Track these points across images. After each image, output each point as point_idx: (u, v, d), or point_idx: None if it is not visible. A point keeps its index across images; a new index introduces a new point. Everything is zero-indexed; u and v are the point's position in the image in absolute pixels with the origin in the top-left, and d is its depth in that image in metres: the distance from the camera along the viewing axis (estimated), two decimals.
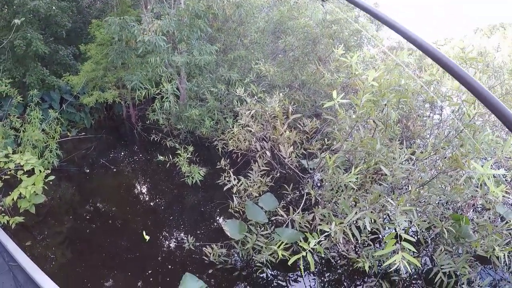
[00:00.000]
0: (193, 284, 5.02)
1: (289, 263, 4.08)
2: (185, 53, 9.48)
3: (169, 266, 6.10)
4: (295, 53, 9.39)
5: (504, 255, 4.66)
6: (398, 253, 3.62)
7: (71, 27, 12.72)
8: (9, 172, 6.91)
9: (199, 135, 10.05)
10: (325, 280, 5.77)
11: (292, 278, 5.74)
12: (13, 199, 6.55)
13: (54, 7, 11.36)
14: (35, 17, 11.04)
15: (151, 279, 5.76)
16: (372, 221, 4.50)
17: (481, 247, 4.93)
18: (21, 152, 7.77)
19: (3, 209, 6.66)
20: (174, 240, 6.84)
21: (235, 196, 5.94)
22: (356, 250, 5.61)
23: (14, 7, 10.36)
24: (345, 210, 4.76)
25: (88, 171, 9.92)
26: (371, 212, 4.41)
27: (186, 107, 10.10)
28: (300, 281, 5.70)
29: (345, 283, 5.69)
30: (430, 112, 8.43)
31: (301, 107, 8.51)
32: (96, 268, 5.97)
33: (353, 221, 4.32)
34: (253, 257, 5.57)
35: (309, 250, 3.99)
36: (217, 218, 7.29)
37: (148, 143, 10.77)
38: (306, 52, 9.18)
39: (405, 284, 5.71)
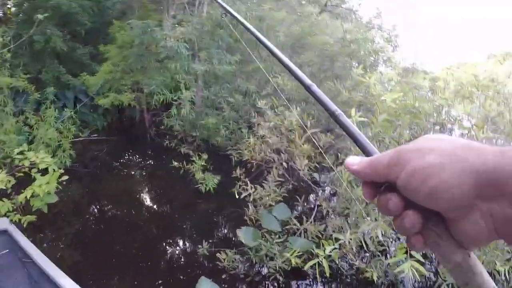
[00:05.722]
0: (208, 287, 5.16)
1: (306, 267, 4.26)
2: (205, 62, 9.67)
3: (183, 270, 6.24)
4: (312, 69, 9.57)
5: (505, 270, 4.77)
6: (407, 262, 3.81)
7: (90, 27, 12.84)
8: (23, 170, 6.97)
9: (213, 143, 10.19)
10: None
11: (303, 286, 5.89)
12: (26, 197, 6.61)
13: (75, 5, 11.54)
14: (55, 14, 11.15)
15: (164, 282, 5.90)
16: (383, 232, 4.66)
17: (482, 262, 5.05)
18: (33, 150, 7.85)
19: (15, 207, 6.63)
20: (187, 245, 6.99)
21: (250, 204, 6.09)
22: (365, 260, 5.76)
23: (36, 1, 10.51)
24: (358, 221, 4.94)
25: (99, 173, 10.04)
26: (383, 223, 4.58)
27: (202, 115, 10.27)
28: None
29: None
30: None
31: (315, 122, 8.68)
32: (108, 271, 6.11)
33: (366, 232, 4.50)
34: (266, 264, 5.72)
35: (324, 257, 4.17)
36: (230, 226, 7.43)
37: (161, 148, 10.89)
38: (323, 69, 9.37)
39: None
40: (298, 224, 5.70)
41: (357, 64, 8.94)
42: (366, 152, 0.69)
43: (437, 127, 8.10)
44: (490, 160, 0.48)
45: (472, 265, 0.55)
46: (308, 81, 1.00)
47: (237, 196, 6.30)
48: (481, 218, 0.50)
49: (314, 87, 0.96)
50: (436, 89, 8.59)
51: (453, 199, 0.50)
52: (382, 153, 0.60)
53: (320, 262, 4.19)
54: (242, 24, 1.58)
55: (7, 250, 4.91)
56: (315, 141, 6.41)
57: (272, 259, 5.60)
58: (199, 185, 8.09)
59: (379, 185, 0.59)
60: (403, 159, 0.54)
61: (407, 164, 0.53)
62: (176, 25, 9.42)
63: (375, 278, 4.86)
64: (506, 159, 0.48)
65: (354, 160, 0.62)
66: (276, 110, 6.69)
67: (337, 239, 4.51)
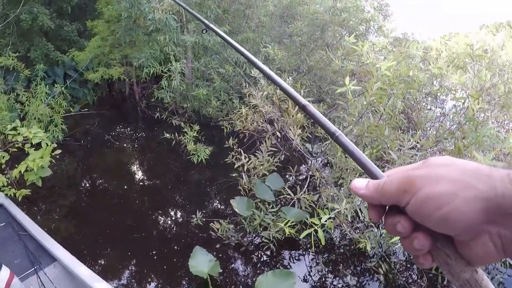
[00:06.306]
0: (203, 257, 5.19)
1: (301, 236, 4.29)
2: (194, 33, 9.56)
3: (177, 240, 6.27)
4: (302, 38, 9.50)
5: None
6: None
7: (76, 3, 12.69)
8: (16, 145, 6.97)
9: (204, 114, 10.17)
10: (327, 258, 5.98)
11: (296, 256, 5.94)
12: (20, 172, 6.65)
13: None
14: None
15: (158, 252, 5.94)
16: None
17: None
18: (25, 126, 7.81)
19: (9, 181, 6.65)
20: (180, 215, 7.02)
21: (244, 174, 6.09)
22: (358, 231, 5.81)
23: None
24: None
25: (92, 146, 10.05)
26: None
27: (193, 86, 10.21)
28: (302, 259, 5.91)
29: (346, 262, 5.90)
30: (432, 105, 8.61)
31: (308, 92, 8.66)
32: (102, 241, 6.15)
33: (361, 201, 4.53)
34: (260, 234, 5.76)
35: (319, 226, 4.20)
36: (223, 196, 7.45)
37: (152, 121, 10.87)
38: (314, 38, 9.29)
39: (403, 267, 5.93)
40: (292, 194, 5.71)
41: (348, 34, 8.87)
42: (370, 174, 0.69)
43: (430, 98, 8.12)
44: (499, 187, 0.50)
45: (480, 280, 0.57)
46: (303, 100, 0.97)
47: (231, 166, 6.30)
48: (490, 240, 0.53)
49: (310, 107, 0.93)
50: (429, 59, 8.59)
51: (464, 225, 0.52)
52: (388, 175, 0.63)
53: (315, 233, 4.22)
54: (226, 40, 1.55)
55: (3, 224, 4.97)
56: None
57: (265, 228, 5.64)
58: (191, 156, 8.08)
59: (385, 206, 0.62)
60: (413, 185, 0.55)
61: (419, 191, 0.54)
62: None
63: (368, 248, 4.92)
64: None
65: (361, 184, 0.64)
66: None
67: (332, 209, 4.53)
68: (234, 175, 6.62)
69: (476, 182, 0.51)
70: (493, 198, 0.49)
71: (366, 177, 0.68)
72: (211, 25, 1.88)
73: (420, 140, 5.24)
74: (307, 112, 0.93)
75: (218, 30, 1.79)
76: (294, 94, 1.02)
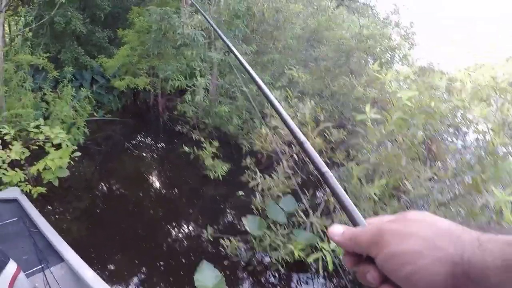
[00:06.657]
0: (209, 272, 5.17)
1: (309, 260, 4.27)
2: (221, 51, 9.68)
3: (185, 253, 6.28)
4: (327, 63, 9.51)
5: None
6: None
7: (109, 11, 12.97)
8: (37, 143, 7.14)
9: (225, 131, 10.20)
10: (334, 285, 5.92)
11: (303, 279, 5.90)
12: (38, 170, 6.77)
13: None
14: None
15: (165, 263, 5.96)
16: None
17: None
18: (48, 125, 7.97)
19: (27, 178, 6.82)
20: (191, 229, 7.03)
21: (258, 194, 6.10)
22: None
23: None
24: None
25: (111, 152, 10.17)
26: None
27: (216, 103, 10.28)
28: (310, 283, 5.86)
29: None
30: (454, 137, 8.48)
31: (328, 117, 8.65)
32: (111, 247, 6.20)
33: None
34: (269, 254, 5.74)
35: (328, 251, 4.18)
36: (236, 213, 7.45)
37: (173, 133, 10.95)
38: (339, 64, 9.30)
39: None
40: (304, 217, 5.69)
41: (372, 61, 8.86)
42: (352, 221, 0.70)
43: (451, 130, 8.02)
44: (467, 252, 0.49)
45: None
46: (302, 137, 1.00)
47: (246, 185, 6.32)
48: None
49: (307, 145, 0.96)
50: (452, 90, 8.48)
51: (428, 286, 0.51)
52: (368, 223, 0.64)
53: (324, 257, 4.20)
54: (243, 66, 1.59)
55: (16, 218, 4.99)
56: (327, 135, 6.41)
57: (275, 249, 5.61)
58: (208, 171, 8.13)
59: (361, 255, 0.62)
60: (383, 239, 0.56)
61: (387, 247, 0.55)
62: (194, 13, 9.40)
63: None
64: (482, 251, 0.48)
65: (338, 231, 0.65)
66: (290, 101, 6.68)
67: None
68: (240, 193, 6.67)
69: (445, 243, 0.51)
70: (460, 262, 0.49)
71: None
72: (232, 48, 1.91)
73: (438, 171, 5.18)
74: (304, 149, 0.96)
75: (237, 54, 1.82)
76: (295, 130, 1.05)
